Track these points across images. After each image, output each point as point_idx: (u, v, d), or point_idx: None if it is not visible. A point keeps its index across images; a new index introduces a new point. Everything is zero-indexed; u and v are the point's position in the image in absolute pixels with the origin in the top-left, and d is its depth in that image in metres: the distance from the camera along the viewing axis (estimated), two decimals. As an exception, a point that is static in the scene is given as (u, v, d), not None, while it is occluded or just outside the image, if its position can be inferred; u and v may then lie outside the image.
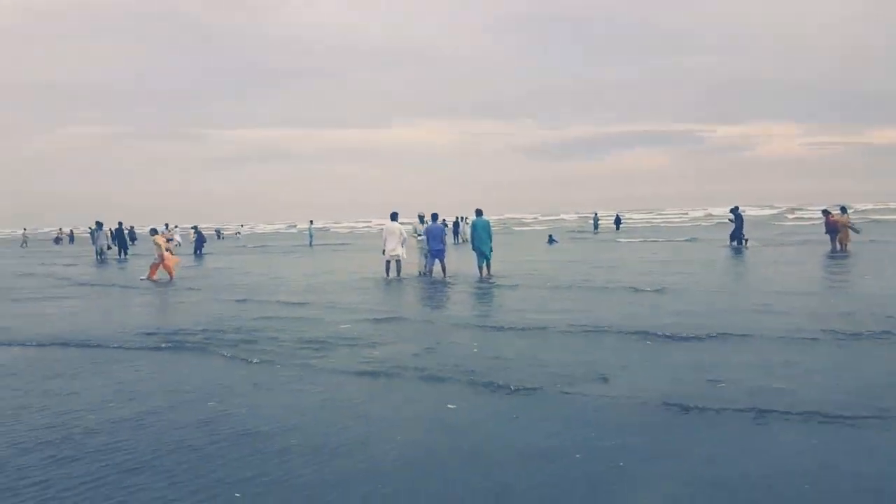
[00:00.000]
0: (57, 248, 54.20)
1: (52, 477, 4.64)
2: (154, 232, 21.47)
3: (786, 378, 6.71)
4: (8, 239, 74.59)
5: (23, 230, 64.04)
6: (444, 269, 18.43)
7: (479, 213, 18.81)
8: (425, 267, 18.81)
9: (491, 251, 18.35)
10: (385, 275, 18.74)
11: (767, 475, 4.39)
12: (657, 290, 13.91)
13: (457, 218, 43.48)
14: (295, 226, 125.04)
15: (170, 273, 19.89)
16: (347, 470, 4.66)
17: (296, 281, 19.05)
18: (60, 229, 71.11)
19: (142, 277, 20.04)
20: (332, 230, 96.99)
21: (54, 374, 7.82)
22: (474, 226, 18.62)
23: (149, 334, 10.29)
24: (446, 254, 18.88)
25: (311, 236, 46.66)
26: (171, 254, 20.89)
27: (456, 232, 41.73)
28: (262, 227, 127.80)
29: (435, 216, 19.33)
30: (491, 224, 18.73)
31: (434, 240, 18.48)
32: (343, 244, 47.37)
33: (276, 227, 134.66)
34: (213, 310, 12.98)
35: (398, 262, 18.60)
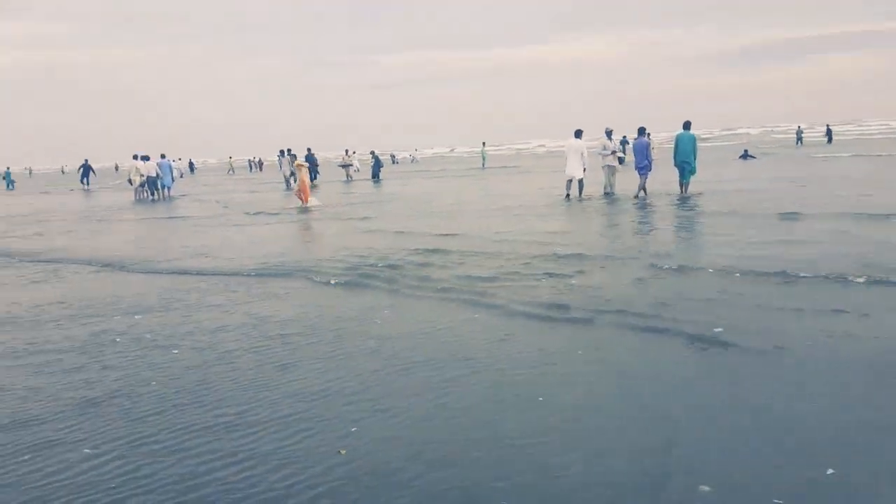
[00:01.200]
0: (251, 175, 57.68)
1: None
2: (294, 157, 21.89)
3: None
4: (216, 167, 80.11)
5: (229, 158, 68.83)
6: (643, 188, 17.32)
7: (686, 125, 17.43)
8: (610, 187, 18.25)
9: (694, 169, 17.23)
10: (566, 194, 18.19)
11: None
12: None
13: (623, 137, 40.58)
14: (454, 149, 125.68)
15: (304, 198, 19.75)
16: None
17: (477, 203, 18.23)
18: (252, 157, 75.82)
19: (304, 205, 19.75)
20: (499, 153, 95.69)
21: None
22: (678, 139, 17.31)
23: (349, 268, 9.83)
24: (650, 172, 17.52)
25: (483, 159, 45.95)
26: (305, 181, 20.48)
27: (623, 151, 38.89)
28: (431, 151, 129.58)
29: (641, 130, 18.06)
30: (697, 139, 17.37)
31: (637, 156, 17.41)
32: (512, 166, 46.14)
33: (445, 150, 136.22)
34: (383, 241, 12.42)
35: (580, 181, 18.05)
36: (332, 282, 8.41)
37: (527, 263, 8.87)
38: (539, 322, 6.16)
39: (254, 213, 18.51)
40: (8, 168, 50.12)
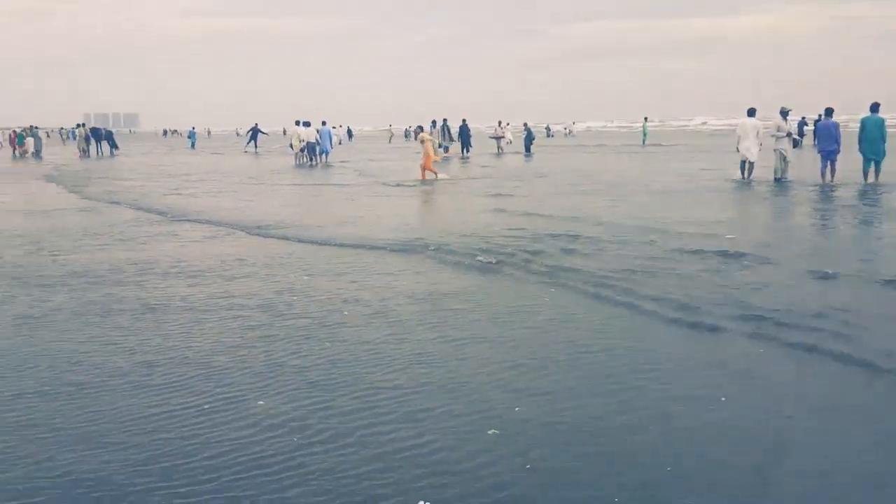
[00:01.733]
0: (406, 143, 58.58)
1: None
2: (420, 129, 21.28)
3: None
4: (375, 135, 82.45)
5: (388, 126, 70.63)
6: (832, 173, 15.76)
7: (874, 108, 15.43)
8: (781, 172, 16.59)
9: (884, 154, 15.38)
10: (740, 176, 17.02)
11: None
12: None
13: (802, 118, 36.79)
14: (609, 124, 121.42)
15: (424, 171, 19.20)
16: None
17: (633, 183, 17.10)
18: (409, 126, 77.15)
19: (439, 175, 19.37)
20: (660, 129, 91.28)
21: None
22: (863, 124, 15.44)
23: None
24: (838, 156, 15.81)
25: (644, 135, 43.79)
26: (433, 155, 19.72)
27: (801, 133, 35.30)
28: (587, 126, 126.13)
29: (829, 111, 16.47)
30: (885, 122, 15.39)
31: (824, 139, 15.83)
32: (675, 144, 43.52)
33: (602, 125, 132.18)
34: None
35: (751, 164, 16.91)
36: (480, 259, 7.99)
37: (674, 256, 7.95)
38: (675, 328, 5.37)
39: (394, 185, 18.27)
40: (192, 128, 54.20)
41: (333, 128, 37.45)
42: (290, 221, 11.62)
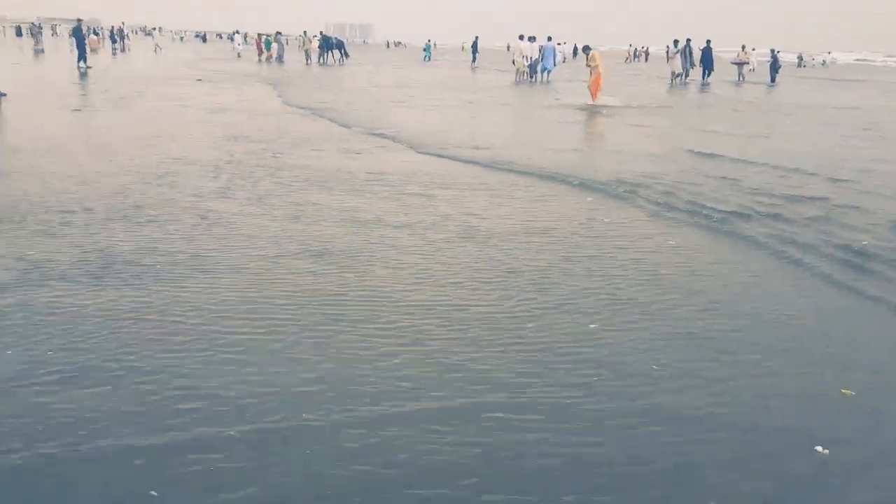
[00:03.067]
0: (629, 65, 54.95)
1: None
2: (587, 50, 18.81)
3: None
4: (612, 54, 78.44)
5: (629, 45, 67.40)
6: None
7: None
8: None
9: None
10: None
11: None
12: None
13: None
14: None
15: (593, 95, 17.40)
16: None
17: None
18: (638, 47, 72.42)
19: (589, 103, 17.44)
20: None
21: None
22: None
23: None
24: None
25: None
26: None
27: None
28: (852, 57, 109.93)
29: None
30: None
31: None
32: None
33: (872, 55, 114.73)
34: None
35: None
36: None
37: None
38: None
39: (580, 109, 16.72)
40: (429, 41, 54.85)
41: (558, 44, 35.62)
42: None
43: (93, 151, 8.90)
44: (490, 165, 8.89)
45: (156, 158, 8.42)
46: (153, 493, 2.36)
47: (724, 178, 8.21)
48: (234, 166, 8.16)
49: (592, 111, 16.45)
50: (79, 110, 13.56)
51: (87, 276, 4.36)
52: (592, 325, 3.89)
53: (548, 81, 27.06)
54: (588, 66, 18.11)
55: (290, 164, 8.42)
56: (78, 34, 26.00)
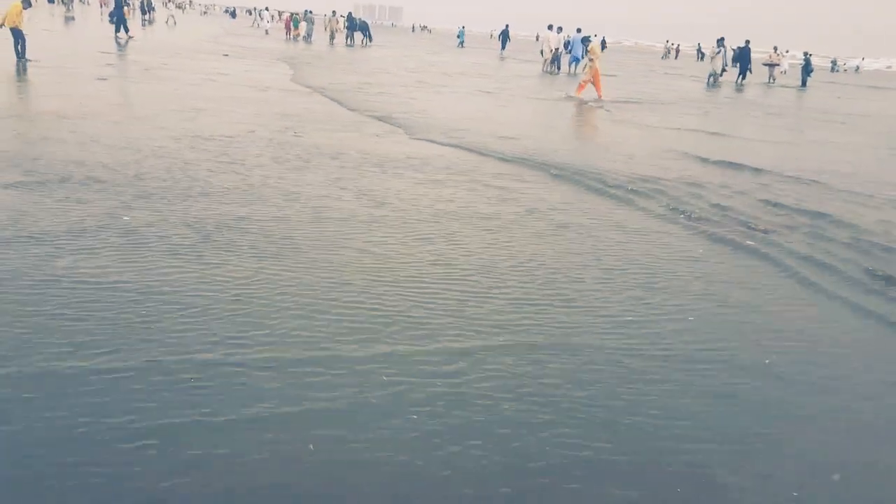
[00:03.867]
0: (664, 62, 54.44)
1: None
2: (587, 40, 18.47)
3: None
4: (640, 49, 78.09)
5: (665, 41, 66.39)
6: None
7: None
8: None
9: None
10: None
11: None
12: None
13: None
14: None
15: (598, 90, 17.15)
16: None
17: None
18: (670, 45, 71.61)
19: (579, 94, 17.29)
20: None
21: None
22: None
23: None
24: None
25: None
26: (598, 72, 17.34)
27: None
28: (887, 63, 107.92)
29: None
30: None
31: None
32: None
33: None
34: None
35: None
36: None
37: None
38: None
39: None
40: (462, 27, 54.02)
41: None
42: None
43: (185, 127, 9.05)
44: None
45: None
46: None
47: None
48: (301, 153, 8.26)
49: (614, 107, 16.28)
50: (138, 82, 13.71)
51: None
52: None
53: (576, 73, 26.84)
54: (588, 58, 17.94)
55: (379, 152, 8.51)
56: (119, 3, 25.66)
